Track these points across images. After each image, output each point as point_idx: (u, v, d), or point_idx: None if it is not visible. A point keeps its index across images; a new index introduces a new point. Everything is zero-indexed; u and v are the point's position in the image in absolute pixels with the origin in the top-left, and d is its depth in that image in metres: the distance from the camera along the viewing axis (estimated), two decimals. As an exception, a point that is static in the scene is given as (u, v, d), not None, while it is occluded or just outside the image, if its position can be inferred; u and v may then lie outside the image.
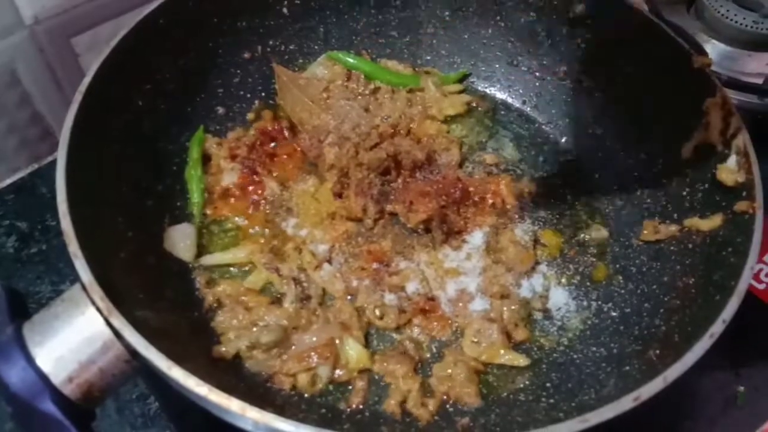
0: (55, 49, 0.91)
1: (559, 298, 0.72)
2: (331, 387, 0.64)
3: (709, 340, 0.50)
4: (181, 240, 0.71)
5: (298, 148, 0.82)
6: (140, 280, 0.61)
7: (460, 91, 0.90)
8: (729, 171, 0.64)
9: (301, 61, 0.89)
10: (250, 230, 0.75)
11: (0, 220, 0.85)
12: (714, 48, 0.96)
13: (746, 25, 0.95)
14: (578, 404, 0.58)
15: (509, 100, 0.90)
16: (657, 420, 0.71)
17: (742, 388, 0.76)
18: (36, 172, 0.91)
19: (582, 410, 0.47)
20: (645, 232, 0.73)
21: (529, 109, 0.89)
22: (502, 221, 0.76)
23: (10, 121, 0.93)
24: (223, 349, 0.62)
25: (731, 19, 0.95)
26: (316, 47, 0.89)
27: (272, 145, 0.82)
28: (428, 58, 0.92)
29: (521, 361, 0.66)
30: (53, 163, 0.57)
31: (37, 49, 0.89)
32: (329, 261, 0.72)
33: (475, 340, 0.67)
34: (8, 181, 0.90)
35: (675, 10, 1.01)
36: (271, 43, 0.86)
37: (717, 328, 0.51)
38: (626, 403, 0.46)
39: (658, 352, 0.58)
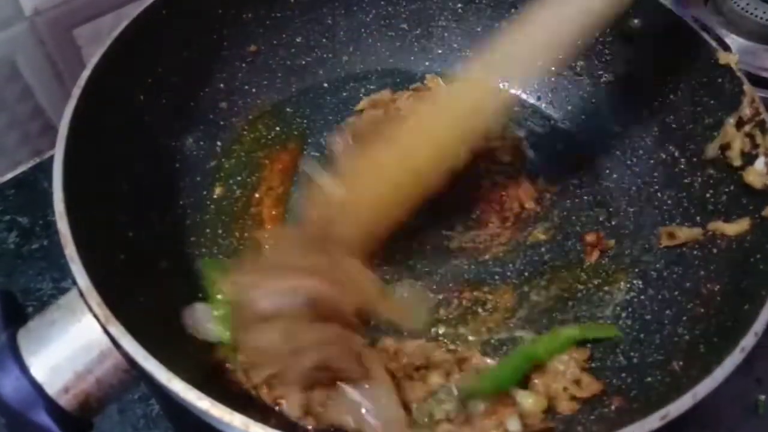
0: (56, 41, 0.89)
1: (576, 303, 0.70)
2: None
3: (740, 355, 0.47)
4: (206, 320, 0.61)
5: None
6: (139, 282, 0.58)
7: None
8: (757, 173, 0.61)
9: (309, 58, 0.87)
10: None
11: (0, 216, 0.84)
12: (733, 42, 0.94)
13: (767, 20, 0.92)
14: (598, 416, 0.56)
15: (524, 96, 0.87)
16: (675, 428, 0.69)
17: (762, 397, 0.74)
18: (37, 167, 0.90)
19: (603, 424, 0.45)
20: (661, 238, 0.70)
21: (544, 105, 0.86)
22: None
23: (11, 114, 0.91)
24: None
25: (751, 13, 0.93)
26: (323, 40, 0.87)
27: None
28: (439, 51, 0.90)
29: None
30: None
31: (38, 42, 0.87)
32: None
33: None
34: (9, 176, 0.89)
35: (692, 4, 0.98)
36: (277, 35, 0.84)
37: (748, 341, 0.48)
38: (653, 422, 0.43)
39: (681, 363, 0.55)
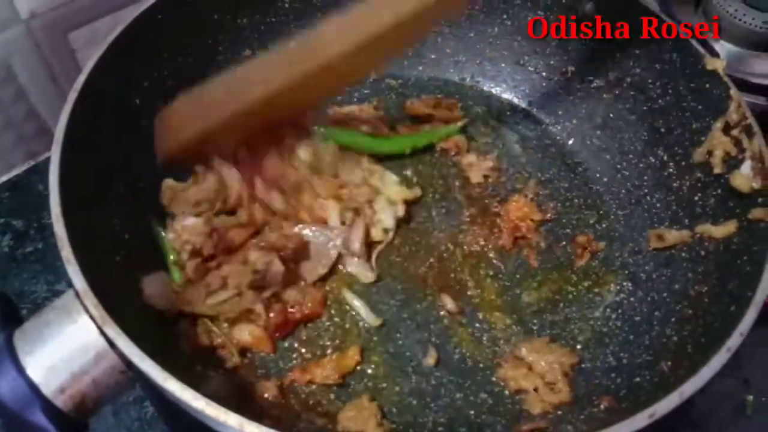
0: (51, 44, 0.89)
1: (566, 304, 0.70)
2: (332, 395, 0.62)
3: (726, 354, 0.48)
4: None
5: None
6: (135, 284, 0.59)
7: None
8: (743, 177, 0.62)
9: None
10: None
11: (-5, 219, 0.84)
12: (722, 48, 0.94)
13: (755, 26, 0.92)
14: (587, 416, 0.57)
15: (515, 100, 0.88)
16: (664, 428, 0.69)
17: (750, 397, 0.74)
18: (32, 169, 0.90)
19: (592, 424, 0.45)
20: (650, 240, 0.71)
21: (535, 110, 0.87)
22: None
23: (6, 117, 0.91)
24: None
25: (740, 19, 0.93)
26: (318, 45, 0.88)
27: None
28: (433, 56, 0.90)
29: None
30: (49, 159, 0.55)
31: (34, 45, 0.87)
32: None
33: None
34: (3, 179, 0.89)
35: (682, 9, 0.99)
36: (272, 40, 0.84)
37: (734, 341, 0.49)
38: (641, 420, 0.44)
39: (669, 363, 0.56)
